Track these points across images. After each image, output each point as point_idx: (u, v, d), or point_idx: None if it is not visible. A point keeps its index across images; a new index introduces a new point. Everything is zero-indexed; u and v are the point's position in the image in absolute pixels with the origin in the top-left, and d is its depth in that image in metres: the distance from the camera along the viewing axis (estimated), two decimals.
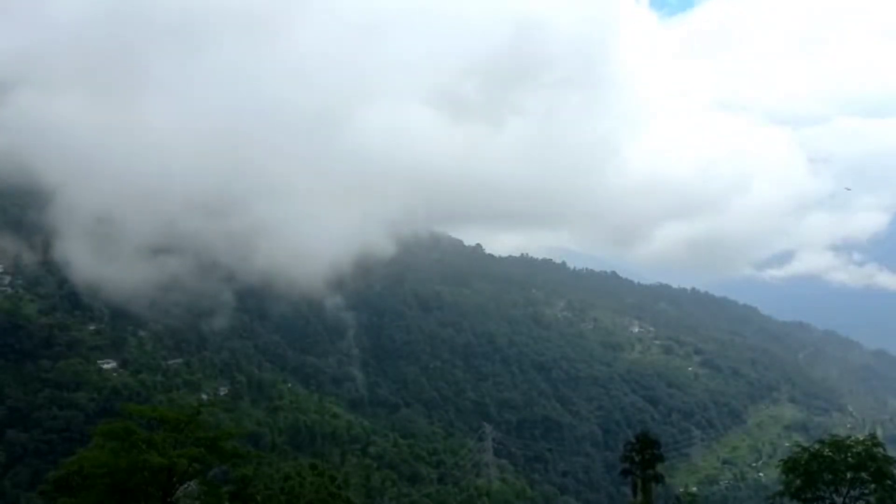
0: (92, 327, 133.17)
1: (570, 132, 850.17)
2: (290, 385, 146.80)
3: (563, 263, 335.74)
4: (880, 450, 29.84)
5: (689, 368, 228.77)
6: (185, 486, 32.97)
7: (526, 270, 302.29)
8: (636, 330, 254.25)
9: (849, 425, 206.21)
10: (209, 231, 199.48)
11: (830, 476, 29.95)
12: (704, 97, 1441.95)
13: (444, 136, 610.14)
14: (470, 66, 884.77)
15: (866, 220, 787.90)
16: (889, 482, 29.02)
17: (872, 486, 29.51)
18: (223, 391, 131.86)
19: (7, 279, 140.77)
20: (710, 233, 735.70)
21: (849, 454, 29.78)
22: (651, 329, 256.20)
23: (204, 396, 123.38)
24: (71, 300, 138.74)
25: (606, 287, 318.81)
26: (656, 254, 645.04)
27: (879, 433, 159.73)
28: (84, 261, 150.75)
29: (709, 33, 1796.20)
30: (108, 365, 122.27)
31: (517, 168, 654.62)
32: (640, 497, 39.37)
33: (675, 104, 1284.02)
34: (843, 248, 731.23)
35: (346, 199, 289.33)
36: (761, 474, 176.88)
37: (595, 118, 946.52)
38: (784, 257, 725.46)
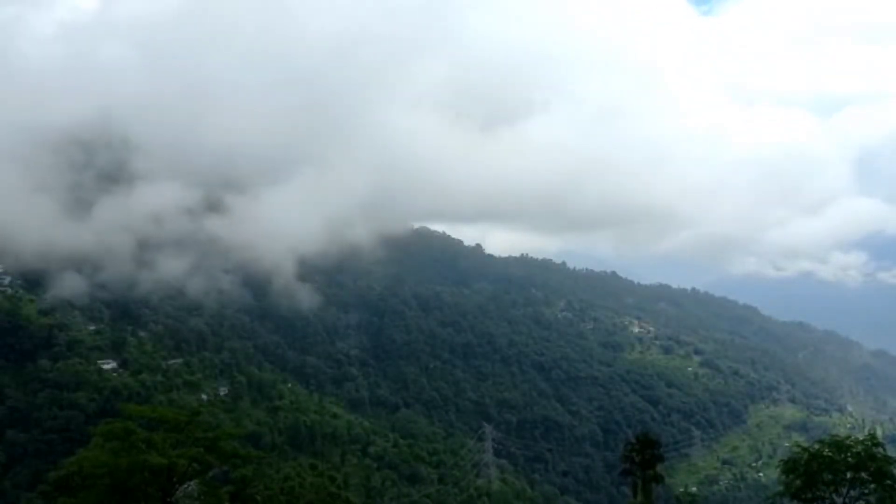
0: (92, 327, 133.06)
1: (579, 132, 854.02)
2: (290, 385, 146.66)
3: (563, 263, 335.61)
4: (880, 450, 29.74)
5: (689, 368, 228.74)
6: (185, 486, 32.97)
7: (526, 270, 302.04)
8: (636, 330, 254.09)
9: (849, 425, 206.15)
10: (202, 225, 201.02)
11: (830, 476, 29.86)
12: (709, 94, 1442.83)
13: (449, 136, 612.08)
14: (483, 66, 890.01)
15: (867, 219, 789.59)
16: (889, 482, 28.93)
17: (872, 486, 29.46)
18: (223, 391, 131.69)
19: (7, 279, 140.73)
20: (712, 231, 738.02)
21: (849, 454, 29.67)
22: (651, 329, 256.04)
23: (204, 396, 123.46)
24: (71, 300, 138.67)
25: (606, 287, 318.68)
26: (662, 252, 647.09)
27: (879, 433, 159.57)
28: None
29: (713, 32, 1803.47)
30: (108, 365, 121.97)
31: (521, 168, 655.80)
32: (640, 497, 39.32)
33: (679, 102, 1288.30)
34: (844, 247, 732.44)
35: (348, 197, 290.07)
36: (761, 474, 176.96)
37: (599, 118, 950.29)
38: (785, 256, 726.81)
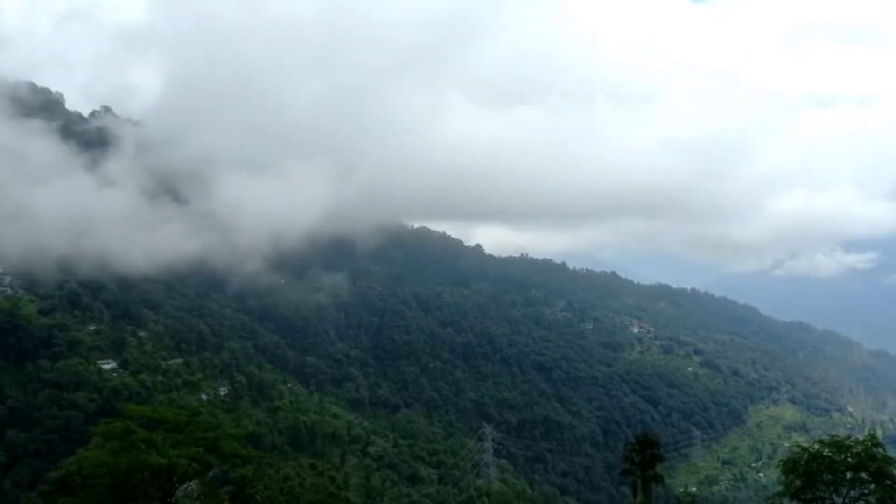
0: (92, 327, 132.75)
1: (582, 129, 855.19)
2: (290, 385, 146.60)
3: (563, 264, 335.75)
4: (880, 450, 29.74)
5: (689, 368, 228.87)
6: (185, 486, 32.96)
7: (526, 270, 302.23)
8: (636, 330, 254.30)
9: (849, 425, 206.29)
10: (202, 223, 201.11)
11: (830, 476, 29.86)
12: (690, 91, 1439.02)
13: (451, 135, 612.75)
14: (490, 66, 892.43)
15: (868, 219, 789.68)
16: (889, 482, 28.92)
17: (872, 486, 29.46)
18: (223, 391, 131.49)
19: (7, 279, 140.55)
20: (714, 230, 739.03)
21: (849, 454, 29.67)
22: (651, 329, 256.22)
23: (204, 396, 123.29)
24: (71, 300, 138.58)
25: (606, 287, 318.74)
26: (662, 252, 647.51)
27: (879, 433, 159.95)
28: None
29: (711, 27, 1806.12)
30: (108, 365, 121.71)
31: (527, 166, 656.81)
32: (639, 497, 39.29)
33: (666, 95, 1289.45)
34: (844, 247, 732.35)
35: (349, 196, 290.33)
36: (761, 474, 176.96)
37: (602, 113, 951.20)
38: (785, 256, 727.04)
